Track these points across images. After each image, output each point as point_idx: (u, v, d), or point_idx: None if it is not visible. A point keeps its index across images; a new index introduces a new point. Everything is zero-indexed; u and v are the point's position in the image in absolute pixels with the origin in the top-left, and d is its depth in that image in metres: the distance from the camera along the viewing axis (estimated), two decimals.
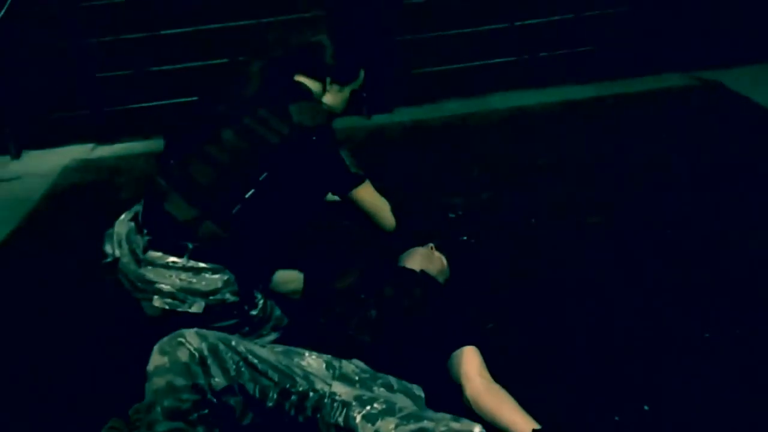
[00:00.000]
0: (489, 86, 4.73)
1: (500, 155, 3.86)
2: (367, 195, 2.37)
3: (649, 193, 3.27)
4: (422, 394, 1.88)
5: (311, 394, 1.70)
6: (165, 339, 1.62)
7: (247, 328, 2.11)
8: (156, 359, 1.58)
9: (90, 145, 4.45)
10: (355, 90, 2.40)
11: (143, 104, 4.53)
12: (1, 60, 4.22)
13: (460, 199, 3.34)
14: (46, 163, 4.21)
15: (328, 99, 2.33)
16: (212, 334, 1.66)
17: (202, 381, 1.58)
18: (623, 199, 3.25)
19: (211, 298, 2.00)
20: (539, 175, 3.56)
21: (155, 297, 1.99)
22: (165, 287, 1.98)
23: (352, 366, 1.85)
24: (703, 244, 2.81)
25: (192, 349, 1.59)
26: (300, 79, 2.28)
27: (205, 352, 1.59)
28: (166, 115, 4.44)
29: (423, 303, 2.10)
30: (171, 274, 1.98)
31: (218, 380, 1.59)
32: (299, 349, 1.86)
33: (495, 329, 2.40)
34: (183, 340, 1.60)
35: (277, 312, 2.23)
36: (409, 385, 1.88)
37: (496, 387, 1.92)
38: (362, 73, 2.41)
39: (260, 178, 2.06)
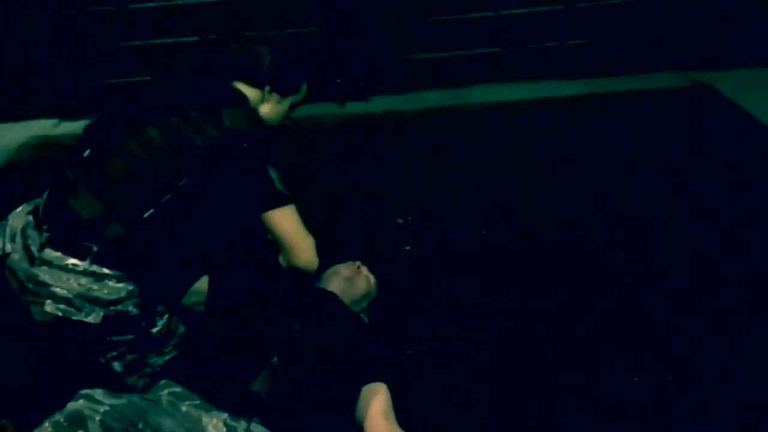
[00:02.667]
0: (471, 78, 4.52)
1: (470, 153, 3.70)
2: (285, 222, 2.08)
3: (619, 204, 3.11)
4: None
5: None
6: (62, 420, 1.47)
7: (146, 344, 1.98)
8: None
9: (54, 121, 4.33)
10: (296, 103, 2.25)
11: (117, 80, 4.38)
12: None
13: (411, 202, 3.19)
14: (6, 138, 4.10)
15: (265, 109, 2.17)
16: (117, 416, 1.50)
17: None
18: (587, 209, 3.08)
19: (111, 308, 1.84)
20: (507, 178, 3.41)
21: (48, 301, 1.82)
22: (60, 291, 1.82)
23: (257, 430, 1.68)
24: (662, 266, 2.67)
25: None
26: (238, 85, 2.14)
27: None
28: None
29: (333, 342, 1.94)
30: (69, 278, 1.82)
31: None
32: (202, 412, 1.67)
33: (414, 356, 2.27)
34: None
35: (182, 329, 2.10)
36: None
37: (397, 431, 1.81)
38: (305, 87, 2.26)
39: (180, 183, 1.91)
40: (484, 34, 4.43)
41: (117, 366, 1.94)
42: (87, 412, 1.48)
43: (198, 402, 1.68)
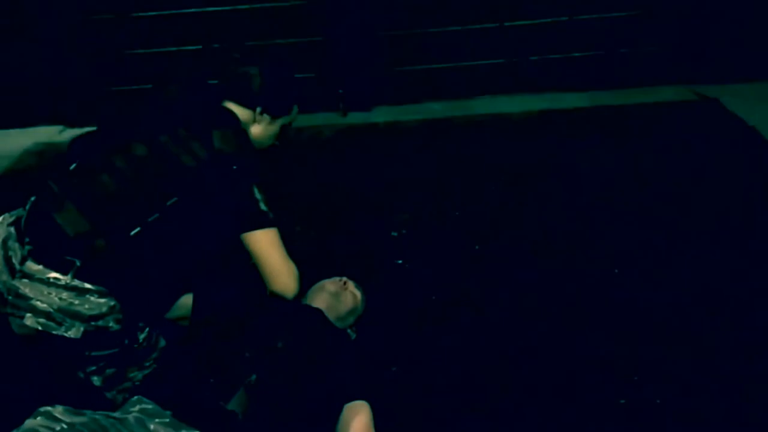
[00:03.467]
0: (474, 89, 4.50)
1: (471, 165, 3.67)
2: (265, 244, 2.04)
3: (620, 218, 3.08)
4: None
5: None
6: None
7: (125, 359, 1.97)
8: None
9: (59, 128, 4.36)
10: (286, 126, 2.24)
11: (123, 87, 4.40)
12: None
13: (407, 215, 3.17)
14: (12, 144, 4.13)
15: (256, 130, 2.17)
16: None
17: None
18: (588, 223, 3.05)
19: (92, 323, 1.84)
20: (506, 191, 3.37)
21: (28, 315, 1.82)
22: (41, 305, 1.81)
23: None
24: (664, 280, 2.65)
25: None
26: (228, 105, 2.13)
27: None
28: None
29: (316, 360, 1.92)
30: (50, 292, 1.81)
31: None
32: (170, 429, 1.64)
33: (399, 373, 2.25)
34: None
35: (162, 343, 2.09)
36: None
37: None
38: (296, 110, 2.25)
39: (168, 203, 1.91)
40: (487, 46, 4.40)
41: (96, 380, 1.93)
42: (42, 430, 1.46)
43: (168, 420, 1.65)
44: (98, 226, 1.85)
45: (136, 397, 1.74)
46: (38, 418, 1.50)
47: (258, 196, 2.02)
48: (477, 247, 2.91)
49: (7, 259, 1.88)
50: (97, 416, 1.57)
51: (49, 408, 1.53)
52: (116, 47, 4.32)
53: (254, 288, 2.09)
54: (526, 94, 4.47)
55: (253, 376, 1.79)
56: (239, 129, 2.08)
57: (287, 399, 1.80)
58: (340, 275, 2.38)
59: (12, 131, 4.31)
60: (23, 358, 1.65)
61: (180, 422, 1.66)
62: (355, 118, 4.34)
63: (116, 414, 1.64)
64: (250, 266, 2.09)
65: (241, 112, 2.13)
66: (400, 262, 2.84)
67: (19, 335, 1.89)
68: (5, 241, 1.91)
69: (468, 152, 3.84)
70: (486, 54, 4.42)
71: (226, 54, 4.11)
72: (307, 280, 2.28)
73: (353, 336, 2.29)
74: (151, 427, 1.62)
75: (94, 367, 1.92)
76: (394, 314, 2.51)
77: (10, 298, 1.85)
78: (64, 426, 1.49)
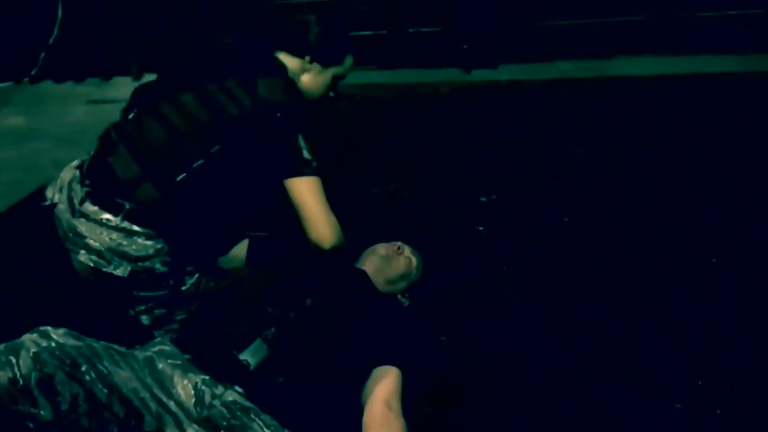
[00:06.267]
0: (610, 49, 4.18)
1: (592, 132, 3.42)
2: (305, 192, 2.01)
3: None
4: None
5: None
6: (2, 348, 1.51)
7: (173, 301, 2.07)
8: None
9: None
10: (338, 75, 2.21)
11: None
12: None
13: (504, 179, 3.03)
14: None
15: (306, 79, 2.16)
16: (58, 354, 1.50)
17: (24, 408, 1.45)
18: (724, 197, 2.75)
19: (138, 264, 1.94)
20: (631, 162, 3.10)
21: (82, 252, 1.95)
22: (93, 244, 1.93)
23: (230, 398, 1.63)
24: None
25: (17, 374, 1.46)
26: (279, 55, 2.14)
27: (32, 383, 1.45)
28: None
29: (346, 321, 1.90)
30: (102, 232, 1.93)
31: (44, 413, 1.47)
32: (178, 371, 1.66)
33: (447, 343, 2.18)
34: (14, 359, 1.47)
35: None
36: None
37: (395, 422, 1.71)
38: (349, 60, 2.21)
39: (212, 150, 1.96)
40: (627, 0, 4.06)
41: (145, 319, 2.03)
42: (28, 343, 1.50)
43: (180, 362, 1.67)
44: (147, 171, 1.94)
45: (159, 339, 1.79)
46: (34, 334, 1.54)
47: (302, 144, 2.01)
48: (566, 219, 2.73)
49: (70, 200, 2.01)
50: (96, 344, 1.59)
51: (48, 327, 1.56)
52: None
53: (296, 242, 2.09)
54: (670, 56, 4.09)
55: (272, 330, 1.81)
56: (286, 78, 2.08)
57: (307, 357, 1.79)
58: (414, 236, 2.32)
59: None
60: (82, 290, 1.75)
61: (192, 366, 1.67)
62: (479, 75, 4.20)
63: (122, 348, 1.65)
64: (294, 218, 2.08)
65: (290, 61, 2.12)
66: (481, 228, 2.73)
67: (78, 270, 2.03)
68: (71, 182, 2.04)
69: (594, 117, 3.60)
70: (625, 10, 4.08)
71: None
72: (384, 239, 2.28)
73: (405, 302, 2.23)
74: (160, 366, 1.64)
75: (143, 307, 2.01)
76: (457, 283, 2.42)
77: (70, 235, 1.98)
78: (53, 344, 1.52)
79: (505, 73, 4.20)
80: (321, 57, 2.13)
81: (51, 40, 4.95)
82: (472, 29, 4.22)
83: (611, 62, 4.15)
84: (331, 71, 2.17)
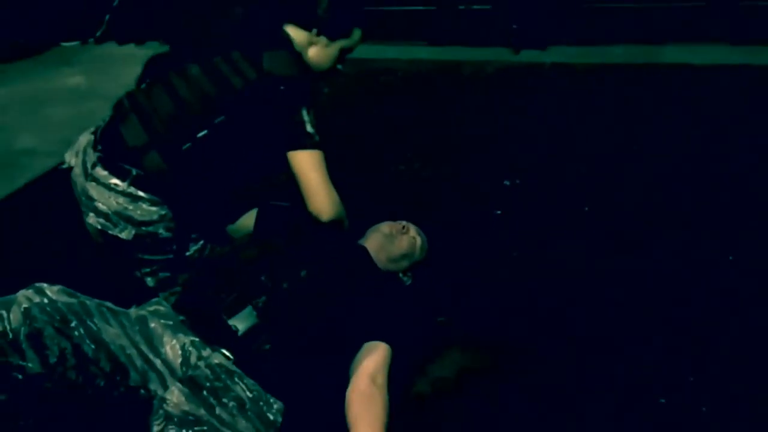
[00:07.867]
0: (665, 34, 4.04)
1: (631, 123, 3.32)
2: (306, 164, 2.04)
3: None
4: (278, 418, 1.68)
5: (142, 391, 1.62)
6: None
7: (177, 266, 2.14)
8: None
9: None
10: (346, 49, 2.22)
11: None
12: None
13: (530, 163, 2.99)
14: None
15: (313, 52, 2.17)
16: (48, 310, 1.56)
17: (13, 360, 1.52)
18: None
19: (142, 228, 2.02)
20: (655, 157, 3.01)
21: (90, 214, 2.05)
22: (101, 207, 2.02)
23: (216, 361, 1.68)
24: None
25: (7, 328, 1.52)
26: (287, 27, 2.17)
27: (21, 337, 1.52)
28: None
29: (340, 295, 1.92)
30: (110, 196, 2.02)
31: (32, 366, 1.52)
32: (168, 331, 1.71)
33: (445, 323, 2.19)
34: (5, 313, 1.53)
35: None
36: (271, 401, 1.69)
37: (378, 398, 1.75)
38: (357, 33, 2.21)
39: (215, 121, 2.03)
40: None
41: (150, 281, 2.11)
42: (21, 299, 1.56)
43: (171, 323, 1.72)
44: (154, 140, 2.01)
45: (156, 299, 1.84)
46: (29, 290, 1.60)
47: (306, 118, 2.03)
48: (587, 208, 2.69)
49: (84, 164, 2.11)
50: (89, 302, 1.65)
51: (44, 284, 1.62)
52: None
53: (297, 213, 2.13)
54: (728, 45, 3.93)
55: (262, 298, 1.85)
56: (292, 51, 2.10)
57: (296, 327, 1.83)
58: (430, 216, 2.33)
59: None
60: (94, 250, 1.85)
61: (184, 327, 1.73)
62: (527, 56, 4.13)
63: (114, 307, 1.71)
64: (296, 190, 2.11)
65: (297, 34, 2.14)
66: (499, 212, 2.71)
67: (90, 232, 2.14)
68: (86, 147, 2.14)
69: (641, 106, 3.49)
70: None
71: None
72: (398, 217, 2.30)
73: (407, 281, 2.25)
74: (152, 325, 1.69)
75: (147, 269, 2.10)
76: (463, 265, 2.42)
77: (83, 198, 2.07)
78: (45, 301, 1.57)
79: (555, 54, 4.11)
80: (328, 30, 2.14)
81: (115, 2, 5.12)
82: (523, 8, 4.13)
83: (665, 49, 4.01)
84: (339, 44, 2.18)
